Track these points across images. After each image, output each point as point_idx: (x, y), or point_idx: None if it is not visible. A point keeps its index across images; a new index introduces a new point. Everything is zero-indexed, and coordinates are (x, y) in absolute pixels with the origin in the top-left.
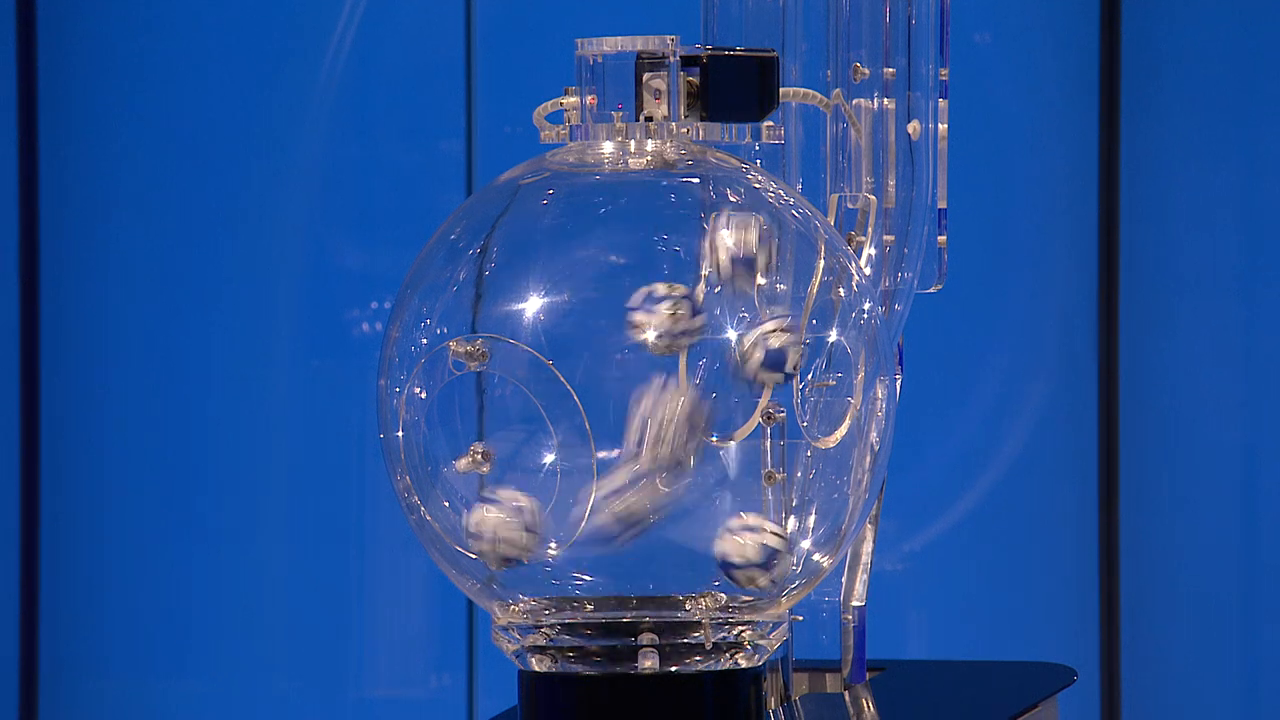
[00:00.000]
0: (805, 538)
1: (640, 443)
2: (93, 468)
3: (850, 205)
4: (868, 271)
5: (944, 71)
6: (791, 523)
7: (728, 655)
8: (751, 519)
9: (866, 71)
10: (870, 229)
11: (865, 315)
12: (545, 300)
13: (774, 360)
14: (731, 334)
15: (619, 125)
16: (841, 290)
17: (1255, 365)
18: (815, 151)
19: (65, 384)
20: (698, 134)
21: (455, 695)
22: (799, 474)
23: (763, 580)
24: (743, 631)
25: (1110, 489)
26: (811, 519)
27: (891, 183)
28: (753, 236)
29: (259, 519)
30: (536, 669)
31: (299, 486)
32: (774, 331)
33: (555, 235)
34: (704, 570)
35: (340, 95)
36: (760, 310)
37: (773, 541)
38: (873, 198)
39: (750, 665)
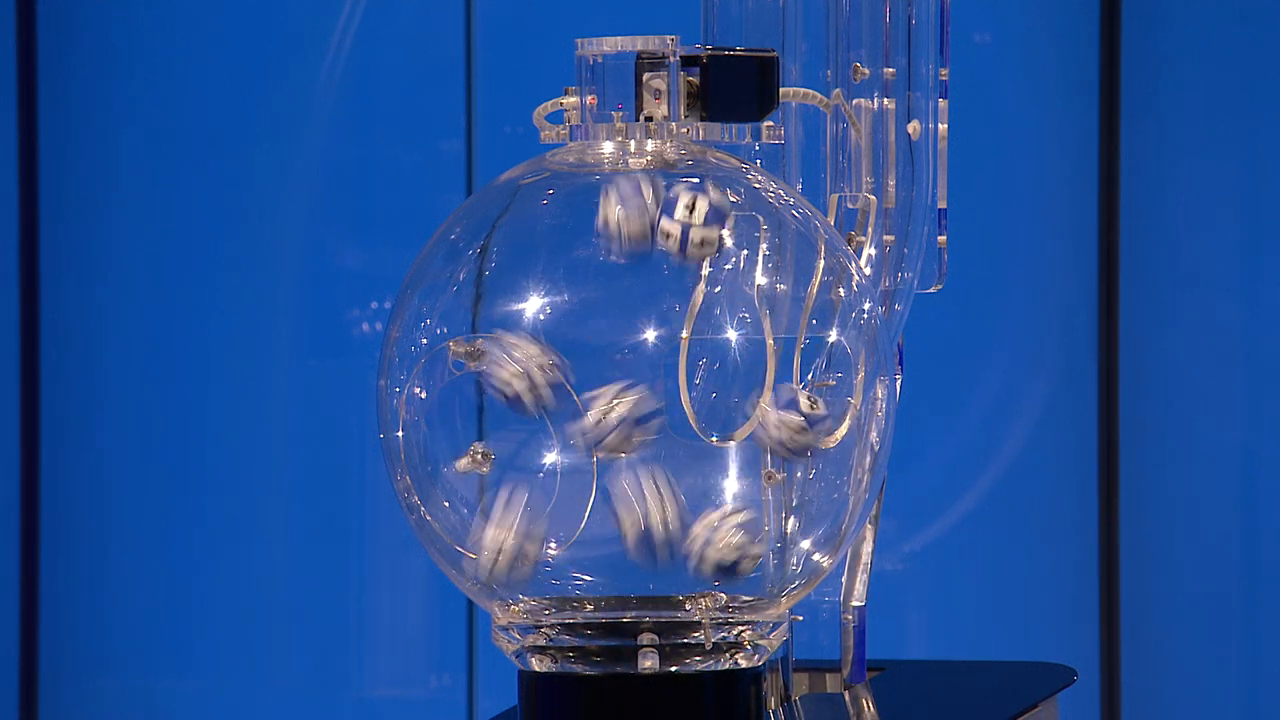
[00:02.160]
0: (805, 538)
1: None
2: (93, 468)
3: (850, 205)
4: (868, 271)
5: (944, 71)
6: (791, 523)
7: (728, 655)
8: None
9: (866, 71)
10: (870, 229)
11: (865, 315)
12: (545, 300)
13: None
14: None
15: (619, 125)
16: (841, 290)
17: (1255, 365)
18: (815, 151)
19: (65, 384)
20: (698, 134)
21: (455, 695)
22: (799, 474)
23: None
24: (743, 631)
25: (1110, 489)
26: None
27: (891, 183)
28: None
29: (259, 519)
30: (536, 669)
31: (299, 486)
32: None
33: (555, 235)
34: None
35: (340, 95)
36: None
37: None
38: (873, 198)
39: (750, 665)
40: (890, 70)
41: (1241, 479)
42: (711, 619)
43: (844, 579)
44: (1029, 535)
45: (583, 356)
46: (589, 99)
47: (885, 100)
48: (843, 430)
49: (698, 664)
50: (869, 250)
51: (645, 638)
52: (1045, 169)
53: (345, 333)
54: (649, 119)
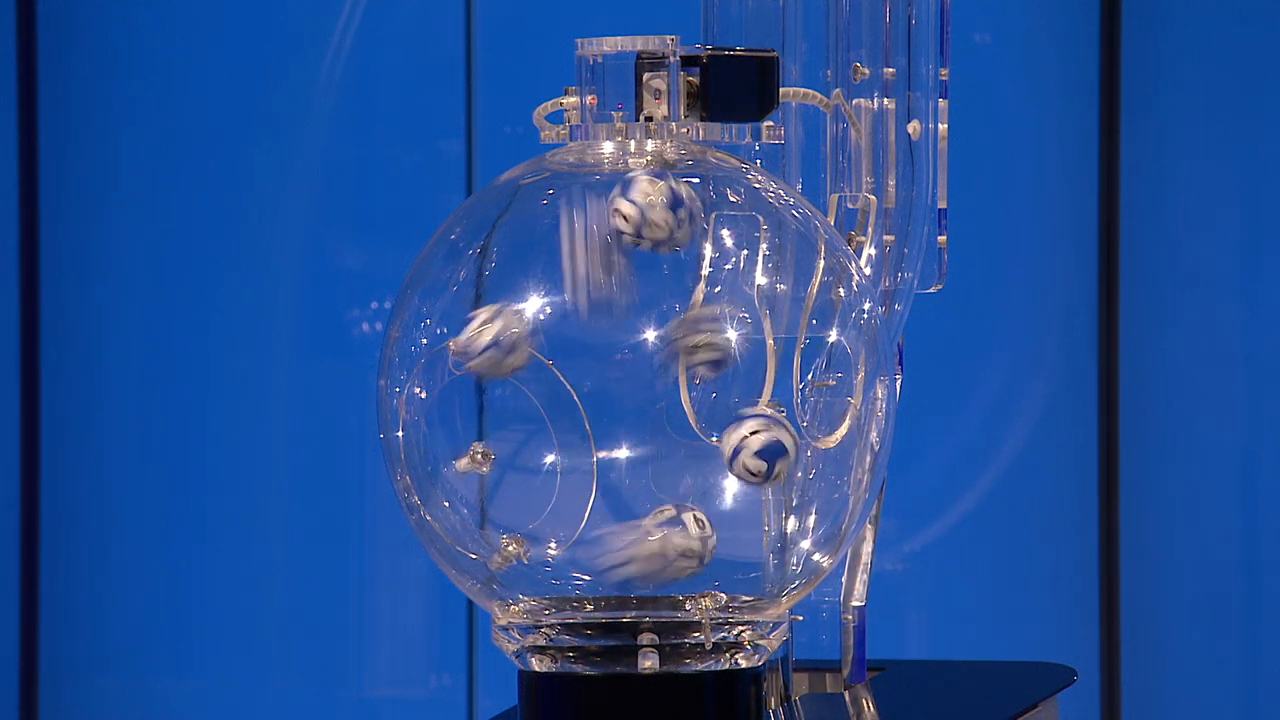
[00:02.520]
0: (805, 538)
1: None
2: (93, 468)
3: (850, 205)
4: (868, 271)
5: (944, 71)
6: (791, 523)
7: (728, 655)
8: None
9: (866, 71)
10: (870, 229)
11: (865, 315)
12: (545, 300)
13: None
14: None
15: (619, 125)
16: (841, 290)
17: (1255, 365)
18: (815, 151)
19: (65, 384)
20: (698, 134)
21: (455, 695)
22: (799, 474)
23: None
24: (743, 631)
25: (1110, 489)
26: (811, 519)
27: (891, 183)
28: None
29: (259, 519)
30: (536, 669)
31: (299, 486)
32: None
33: (555, 235)
34: (704, 570)
35: (340, 95)
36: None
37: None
38: (873, 198)
39: (750, 665)
40: (890, 70)
41: (1241, 479)
42: (711, 619)
43: (844, 579)
44: (1029, 535)
45: (582, 356)
46: (589, 99)
47: (885, 100)
48: (843, 430)
49: (698, 664)
50: (869, 250)
51: (645, 638)
52: (1045, 169)
53: (345, 333)
54: (649, 119)
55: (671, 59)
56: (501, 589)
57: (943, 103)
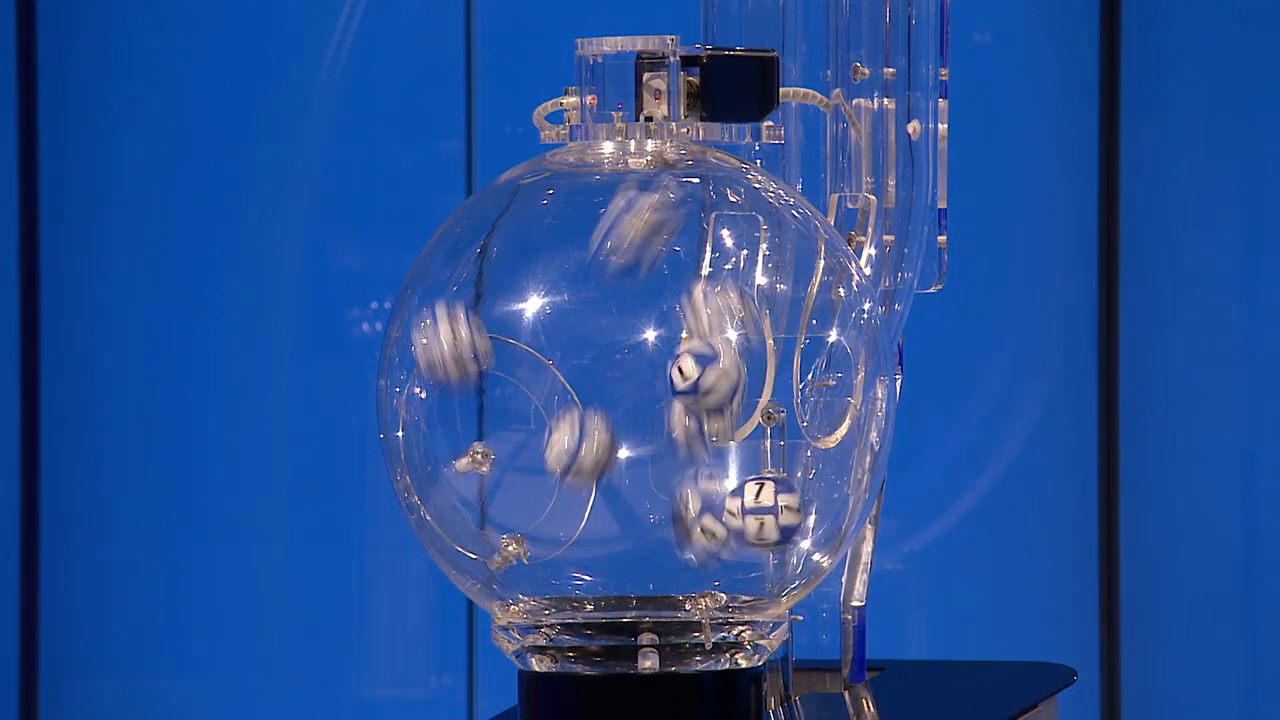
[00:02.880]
0: (805, 538)
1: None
2: (93, 468)
3: (850, 205)
4: (868, 271)
5: (944, 71)
6: None
7: (728, 655)
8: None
9: (866, 71)
10: (870, 229)
11: (865, 315)
12: (545, 300)
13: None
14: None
15: (619, 125)
16: (841, 290)
17: (1255, 365)
18: (815, 151)
19: (65, 384)
20: (698, 134)
21: (455, 695)
22: (799, 474)
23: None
24: (743, 631)
25: (1110, 489)
26: (811, 519)
27: (891, 183)
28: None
29: (259, 519)
30: (536, 669)
31: (299, 486)
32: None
33: (555, 235)
34: (704, 570)
35: (340, 95)
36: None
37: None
38: (873, 198)
39: (750, 665)
40: (890, 70)
41: (1241, 479)
42: (711, 619)
43: (844, 579)
44: (1029, 535)
45: (582, 356)
46: (589, 99)
47: (885, 100)
48: (843, 430)
49: (698, 664)
50: (869, 250)
51: (645, 638)
52: (1045, 169)
53: (345, 333)
54: (649, 119)
55: (671, 59)
56: (501, 589)
57: (943, 103)
